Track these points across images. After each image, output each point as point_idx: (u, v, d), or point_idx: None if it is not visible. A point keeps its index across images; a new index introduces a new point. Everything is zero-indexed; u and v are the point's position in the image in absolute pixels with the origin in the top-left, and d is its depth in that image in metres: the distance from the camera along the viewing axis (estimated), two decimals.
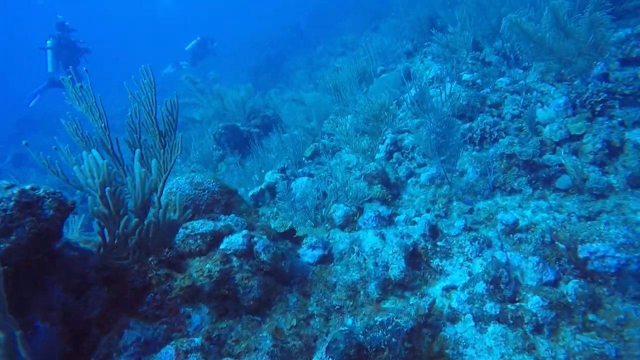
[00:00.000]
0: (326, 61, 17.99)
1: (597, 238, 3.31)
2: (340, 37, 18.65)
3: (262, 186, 6.50)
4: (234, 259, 2.61)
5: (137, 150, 2.06)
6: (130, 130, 2.68)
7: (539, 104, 5.82)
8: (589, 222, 3.66)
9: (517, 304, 3.03)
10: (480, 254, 3.37)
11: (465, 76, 7.13)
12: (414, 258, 3.63)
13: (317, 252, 3.18)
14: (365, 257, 3.30)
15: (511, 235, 4.18)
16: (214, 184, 3.07)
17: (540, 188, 4.88)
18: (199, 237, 2.65)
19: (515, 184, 4.91)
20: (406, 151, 6.19)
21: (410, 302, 3.15)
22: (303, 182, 5.38)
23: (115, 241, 1.96)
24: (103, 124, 2.63)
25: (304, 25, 26.42)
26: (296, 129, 9.64)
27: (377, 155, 6.40)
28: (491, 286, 3.05)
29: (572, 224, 4.31)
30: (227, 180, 8.68)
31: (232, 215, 2.97)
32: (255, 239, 2.70)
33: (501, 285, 3.05)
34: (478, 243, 3.40)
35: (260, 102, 12.76)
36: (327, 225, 4.33)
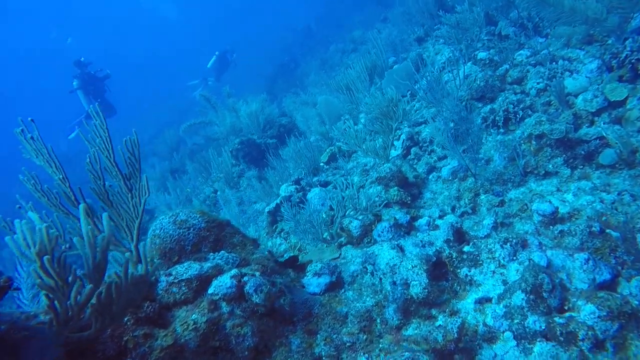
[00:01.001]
0: (339, 60, 17.59)
1: None
2: (350, 34, 18.23)
3: (278, 201, 6.21)
4: (223, 304, 2.29)
5: (81, 206, 1.79)
6: (94, 178, 2.44)
7: (567, 73, 5.18)
8: None
9: (567, 314, 2.54)
10: (514, 258, 2.89)
11: (481, 54, 6.55)
12: (439, 268, 3.19)
13: (324, 280, 2.82)
14: (381, 276, 2.90)
15: (551, 227, 3.64)
16: (199, 219, 2.78)
17: (580, 167, 4.29)
18: (183, 284, 2.36)
19: (550, 166, 4.34)
20: (424, 144, 5.71)
21: (437, 324, 2.72)
22: (316, 193, 5.03)
23: (70, 313, 1.69)
24: (61, 176, 2.40)
25: (314, 26, 26.12)
26: (312, 134, 9.33)
27: (393, 153, 5.96)
28: (531, 296, 2.57)
29: (626, 204, 3.72)
30: (248, 195, 8.48)
31: (222, 252, 2.67)
32: (245, 278, 2.37)
33: (544, 293, 2.57)
34: (510, 245, 2.92)
35: (276, 111, 12.54)
36: (342, 239, 3.96)
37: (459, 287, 3.03)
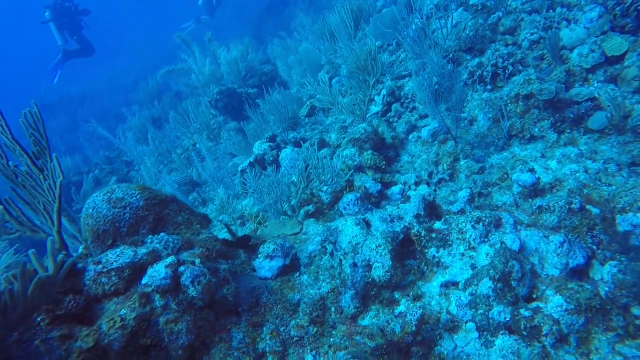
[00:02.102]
0: (327, 1, 16.41)
1: None
2: None
3: (251, 159, 5.89)
4: (156, 297, 2.07)
5: None
6: None
7: (565, 23, 4.69)
8: (631, 181, 2.82)
9: (534, 305, 2.36)
10: (485, 239, 2.67)
11: None
12: (408, 245, 2.98)
13: (276, 263, 2.59)
14: (341, 257, 2.68)
15: (530, 200, 3.41)
16: (138, 197, 2.48)
17: (568, 131, 3.98)
18: (113, 273, 2.12)
19: (536, 129, 4.02)
20: (406, 100, 5.30)
21: (398, 311, 2.55)
22: (287, 154, 4.71)
23: None
24: None
25: None
26: (294, 85, 8.79)
27: (373, 109, 5.56)
28: (499, 284, 2.38)
29: (610, 174, 3.47)
30: (230, 149, 8.10)
31: (163, 234, 2.40)
32: (182, 268, 2.13)
33: (512, 282, 2.38)
34: (483, 225, 2.69)
35: (258, 58, 11.78)
36: (310, 208, 3.71)
37: (426, 268, 2.84)
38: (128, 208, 2.42)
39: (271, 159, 5.71)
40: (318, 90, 4.74)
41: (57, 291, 1.97)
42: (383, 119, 5.16)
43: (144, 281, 2.13)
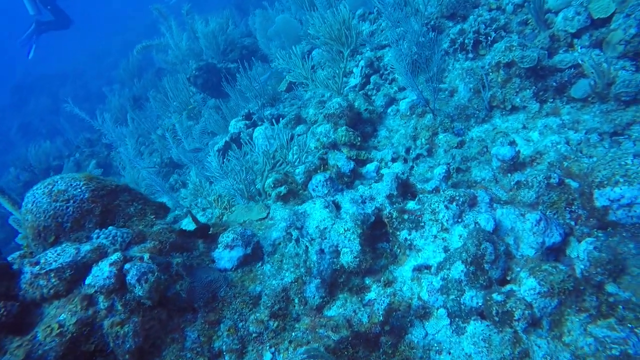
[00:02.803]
0: None
1: (621, 179, 2.36)
2: None
3: (227, 138, 5.67)
4: (100, 298, 1.92)
5: None
6: None
7: None
8: (611, 153, 2.67)
9: (508, 288, 2.25)
10: (459, 220, 2.53)
11: None
12: (380, 228, 2.85)
13: (236, 253, 2.44)
14: (307, 243, 2.54)
15: (509, 174, 3.27)
16: (83, 188, 2.29)
17: (551, 100, 3.79)
18: (52, 274, 1.95)
19: (518, 99, 3.83)
20: (385, 72, 5.06)
21: (367, 298, 2.43)
22: (260, 133, 4.50)
23: None
24: None
25: None
26: (275, 58, 8.44)
27: (352, 82, 5.32)
28: (471, 267, 2.26)
29: (592, 145, 3.32)
30: (211, 127, 7.84)
31: (111, 227, 2.23)
32: (127, 265, 1.97)
33: (485, 265, 2.26)
34: (457, 204, 2.54)
35: (238, 31, 11.29)
36: (281, 189, 3.54)
37: (399, 251, 2.71)
38: (72, 201, 2.24)
39: (247, 137, 5.49)
40: (291, 64, 4.48)
41: None
42: (361, 92, 4.93)
43: (87, 281, 1.97)
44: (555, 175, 2.78)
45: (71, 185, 2.29)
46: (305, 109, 5.79)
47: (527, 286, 2.13)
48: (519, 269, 2.30)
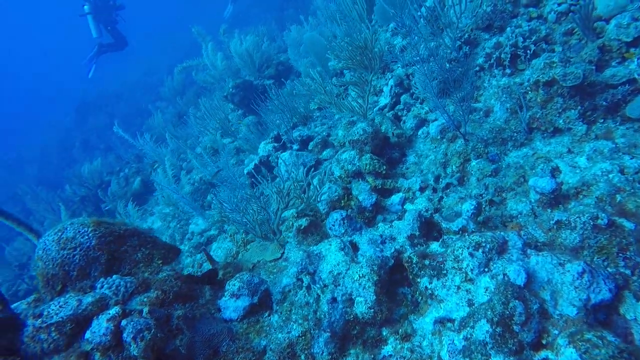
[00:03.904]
0: None
1: None
2: None
3: (256, 161, 5.65)
4: (97, 356, 1.87)
5: None
6: None
7: None
8: None
9: (543, 355, 1.95)
10: (486, 269, 2.26)
11: None
12: (400, 271, 2.63)
13: (242, 303, 2.33)
14: (319, 291, 2.37)
15: (549, 210, 2.92)
16: (90, 235, 2.28)
17: (601, 121, 3.38)
18: (53, 328, 1.94)
19: (561, 121, 3.45)
20: (417, 91, 4.81)
21: (381, 356, 2.22)
22: (285, 159, 4.41)
23: None
24: None
25: None
26: (306, 77, 8.37)
27: (382, 101, 5.10)
28: (498, 329, 1.99)
29: None
30: (248, 144, 7.89)
31: (116, 276, 2.20)
32: (124, 322, 1.91)
33: (514, 327, 1.98)
34: (483, 252, 2.27)
35: (276, 46, 11.40)
36: (302, 222, 3.41)
37: (420, 298, 2.48)
38: (78, 249, 2.23)
39: (276, 160, 5.43)
40: (309, 90, 4.37)
41: None
42: (390, 113, 4.71)
43: (86, 336, 1.94)
44: (604, 215, 2.42)
45: (79, 232, 2.29)
46: (335, 129, 5.64)
47: (565, 357, 1.83)
48: (556, 332, 1.99)
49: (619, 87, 3.27)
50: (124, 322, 1.92)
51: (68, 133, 24.37)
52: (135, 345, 1.88)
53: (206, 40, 10.74)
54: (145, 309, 2.01)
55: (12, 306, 2.26)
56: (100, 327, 1.91)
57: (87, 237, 2.28)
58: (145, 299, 2.12)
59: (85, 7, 12.76)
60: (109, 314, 1.95)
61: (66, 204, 11.43)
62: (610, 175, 2.95)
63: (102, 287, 2.16)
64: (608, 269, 2.29)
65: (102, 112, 23.90)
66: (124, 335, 1.90)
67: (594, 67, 3.43)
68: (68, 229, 2.30)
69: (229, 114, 9.57)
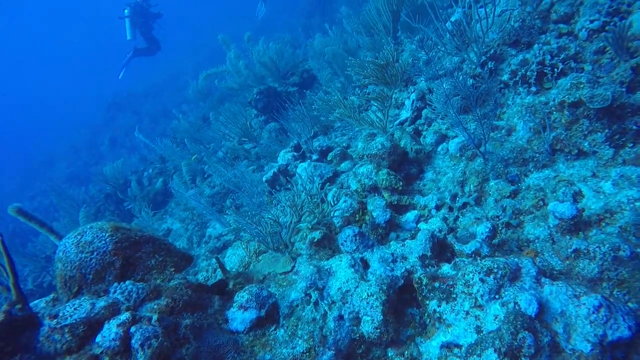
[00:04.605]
0: None
1: None
2: None
3: (275, 169, 5.69)
4: None
5: None
6: None
7: (639, 3, 3.86)
8: None
9: None
10: (497, 296, 2.21)
11: None
12: (409, 292, 2.60)
13: (249, 315, 2.34)
14: (326, 308, 2.37)
15: (568, 236, 2.82)
16: (107, 240, 2.35)
17: (630, 145, 3.26)
18: (66, 330, 2.00)
19: (586, 143, 3.35)
20: (443, 101, 4.75)
21: None
22: (303, 169, 4.43)
23: None
24: None
25: None
26: (328, 86, 8.40)
27: (404, 115, 5.07)
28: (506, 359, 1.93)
29: None
30: (271, 149, 7.96)
31: (128, 282, 2.25)
32: (134, 328, 1.96)
33: (522, 359, 1.92)
34: (494, 278, 2.22)
35: (301, 52, 11.51)
36: (316, 235, 3.41)
37: (428, 320, 2.44)
38: (95, 253, 2.31)
39: (294, 169, 5.47)
40: (326, 105, 4.39)
41: (4, 350, 1.88)
42: (411, 127, 4.67)
43: (97, 339, 1.99)
44: (626, 246, 2.33)
45: (97, 236, 2.36)
46: (355, 141, 5.64)
47: None
48: None
49: None
50: (133, 329, 1.97)
51: (97, 131, 25.25)
52: (142, 353, 1.92)
53: (230, 48, 10.87)
54: (155, 317, 2.05)
55: (32, 304, 2.35)
56: (110, 332, 1.96)
57: (104, 242, 2.35)
58: (155, 306, 2.17)
59: (126, 10, 13.27)
60: (120, 319, 2.00)
61: (91, 201, 11.81)
62: (637, 204, 2.84)
63: (115, 291, 2.22)
64: (629, 304, 2.20)
65: (130, 111, 24.66)
66: (132, 341, 1.95)
67: (624, 89, 3.32)
68: (87, 232, 2.38)
69: (252, 119, 9.72)
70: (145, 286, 2.27)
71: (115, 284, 2.27)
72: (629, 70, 3.49)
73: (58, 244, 2.64)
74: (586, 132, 3.35)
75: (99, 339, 1.99)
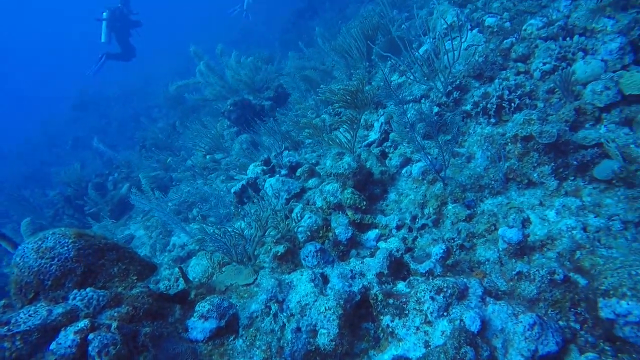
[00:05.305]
0: (355, 10, 16.16)
1: (629, 292, 2.13)
2: None
3: (244, 182, 5.75)
4: None
5: None
6: None
7: (581, 54, 4.26)
8: (619, 260, 2.43)
9: None
10: (445, 313, 2.37)
11: (489, 20, 5.57)
12: (366, 307, 2.72)
13: (209, 325, 2.40)
14: (285, 320, 2.45)
15: (514, 260, 3.06)
16: (70, 246, 2.35)
17: (572, 178, 3.57)
18: (18, 337, 1.98)
19: (535, 175, 3.64)
20: (405, 130, 5.00)
21: None
22: (271, 184, 4.52)
23: None
24: None
25: None
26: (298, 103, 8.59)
27: (372, 136, 5.29)
28: None
29: (612, 235, 3.05)
30: (241, 161, 7.99)
31: (89, 289, 2.26)
32: (92, 335, 1.97)
33: None
34: (444, 297, 2.38)
35: (276, 68, 11.67)
36: (279, 249, 3.49)
37: (382, 335, 2.56)
38: (56, 259, 2.30)
39: (263, 183, 5.54)
40: (297, 126, 4.54)
41: None
42: (378, 149, 4.88)
43: (52, 347, 1.99)
44: (560, 270, 2.56)
45: (59, 242, 2.36)
46: (324, 158, 5.80)
47: None
48: None
49: (589, 149, 3.47)
50: (91, 336, 1.98)
51: (61, 130, 24.33)
52: None
53: (203, 58, 10.78)
54: (114, 324, 2.07)
55: None
56: (67, 339, 1.97)
57: (66, 248, 2.35)
58: (115, 314, 2.18)
59: (104, 13, 13.09)
60: (78, 326, 2.01)
61: (49, 204, 11.35)
62: (574, 232, 3.11)
63: (74, 298, 2.22)
64: (560, 322, 2.41)
65: (98, 113, 23.95)
66: (90, 348, 1.96)
67: (568, 128, 3.64)
68: (49, 238, 2.37)
69: (225, 130, 9.74)
70: (107, 293, 2.28)
71: (75, 291, 2.26)
72: (572, 111, 3.84)
73: (13, 252, 2.61)
74: (535, 164, 3.64)
75: (53, 346, 1.98)
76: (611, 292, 2.18)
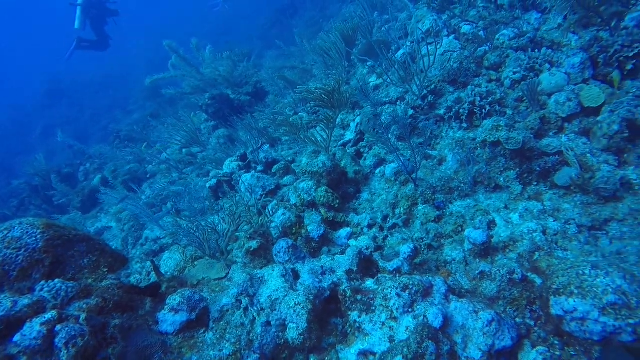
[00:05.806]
0: (337, 10, 16.24)
1: (575, 290, 2.29)
2: None
3: (219, 177, 5.74)
4: (22, 359, 1.92)
5: None
6: None
7: (547, 65, 4.47)
8: (570, 261, 2.61)
9: None
10: (410, 310, 2.48)
11: (465, 27, 5.73)
12: (335, 303, 2.80)
13: (180, 318, 2.43)
14: (255, 314, 2.51)
15: (478, 260, 3.21)
16: (39, 237, 2.33)
17: (535, 184, 3.76)
18: None
19: (501, 179, 3.81)
20: (380, 130, 5.12)
21: None
22: (246, 180, 4.55)
23: None
24: None
25: None
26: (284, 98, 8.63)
27: (348, 136, 5.39)
28: None
29: (568, 238, 3.24)
30: (217, 155, 7.94)
31: (57, 280, 2.25)
32: (59, 326, 1.98)
33: None
34: (409, 294, 2.49)
35: (252, 66, 11.63)
36: (253, 244, 3.53)
37: (349, 330, 2.65)
38: (23, 250, 2.28)
39: (238, 179, 5.56)
40: (273, 123, 4.59)
41: None
42: (353, 149, 4.98)
43: (15, 339, 1.97)
44: (519, 271, 2.72)
45: (27, 232, 2.33)
46: (300, 156, 5.85)
47: None
48: None
49: (551, 157, 3.67)
50: (58, 327, 1.98)
51: (30, 117, 23.40)
52: (65, 351, 1.93)
53: (178, 52, 10.59)
54: (83, 316, 2.08)
55: None
56: (32, 331, 1.96)
57: (34, 239, 2.32)
58: (84, 305, 2.18)
59: None
60: (44, 317, 2.00)
61: (14, 193, 10.96)
62: (534, 234, 3.28)
63: (41, 289, 2.20)
64: (516, 319, 2.57)
65: (71, 101, 23.17)
66: (56, 340, 1.96)
67: (533, 136, 3.83)
68: (16, 228, 2.34)
69: (202, 123, 9.65)
70: (76, 285, 2.28)
71: (43, 282, 2.25)
72: (537, 119, 4.03)
73: None
74: (502, 169, 3.81)
75: (17, 338, 1.97)
76: (561, 290, 2.34)
